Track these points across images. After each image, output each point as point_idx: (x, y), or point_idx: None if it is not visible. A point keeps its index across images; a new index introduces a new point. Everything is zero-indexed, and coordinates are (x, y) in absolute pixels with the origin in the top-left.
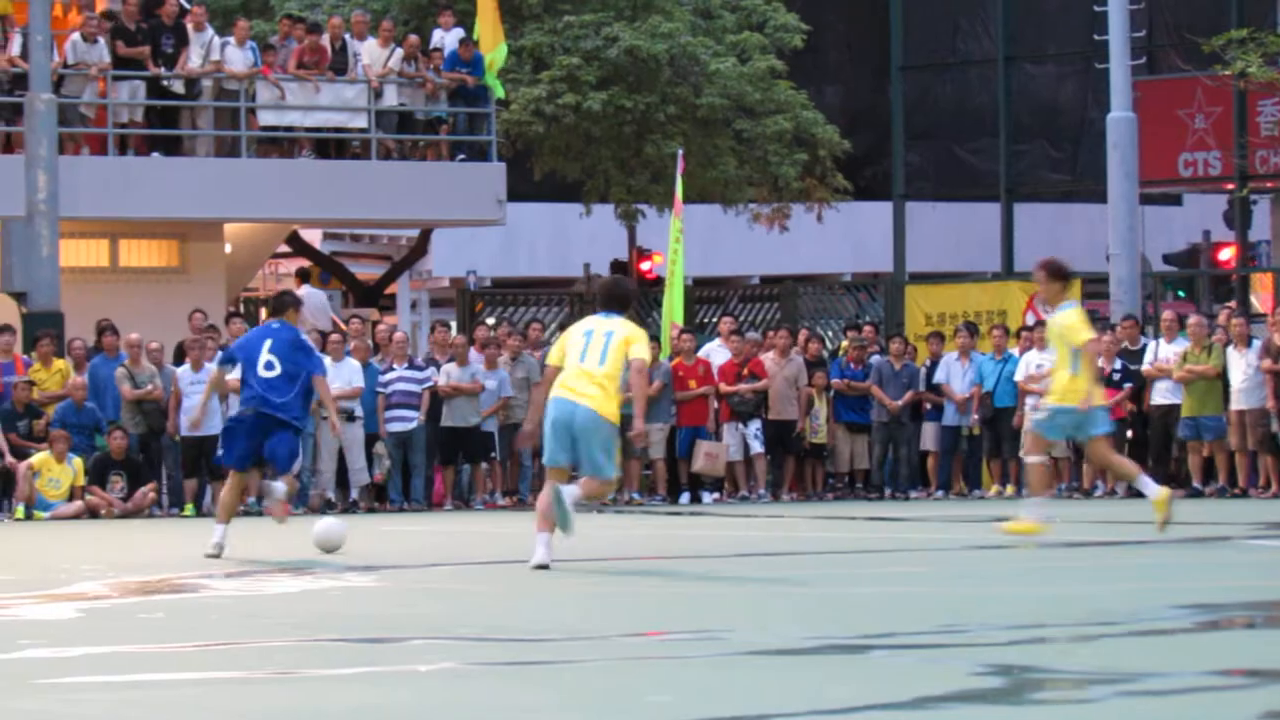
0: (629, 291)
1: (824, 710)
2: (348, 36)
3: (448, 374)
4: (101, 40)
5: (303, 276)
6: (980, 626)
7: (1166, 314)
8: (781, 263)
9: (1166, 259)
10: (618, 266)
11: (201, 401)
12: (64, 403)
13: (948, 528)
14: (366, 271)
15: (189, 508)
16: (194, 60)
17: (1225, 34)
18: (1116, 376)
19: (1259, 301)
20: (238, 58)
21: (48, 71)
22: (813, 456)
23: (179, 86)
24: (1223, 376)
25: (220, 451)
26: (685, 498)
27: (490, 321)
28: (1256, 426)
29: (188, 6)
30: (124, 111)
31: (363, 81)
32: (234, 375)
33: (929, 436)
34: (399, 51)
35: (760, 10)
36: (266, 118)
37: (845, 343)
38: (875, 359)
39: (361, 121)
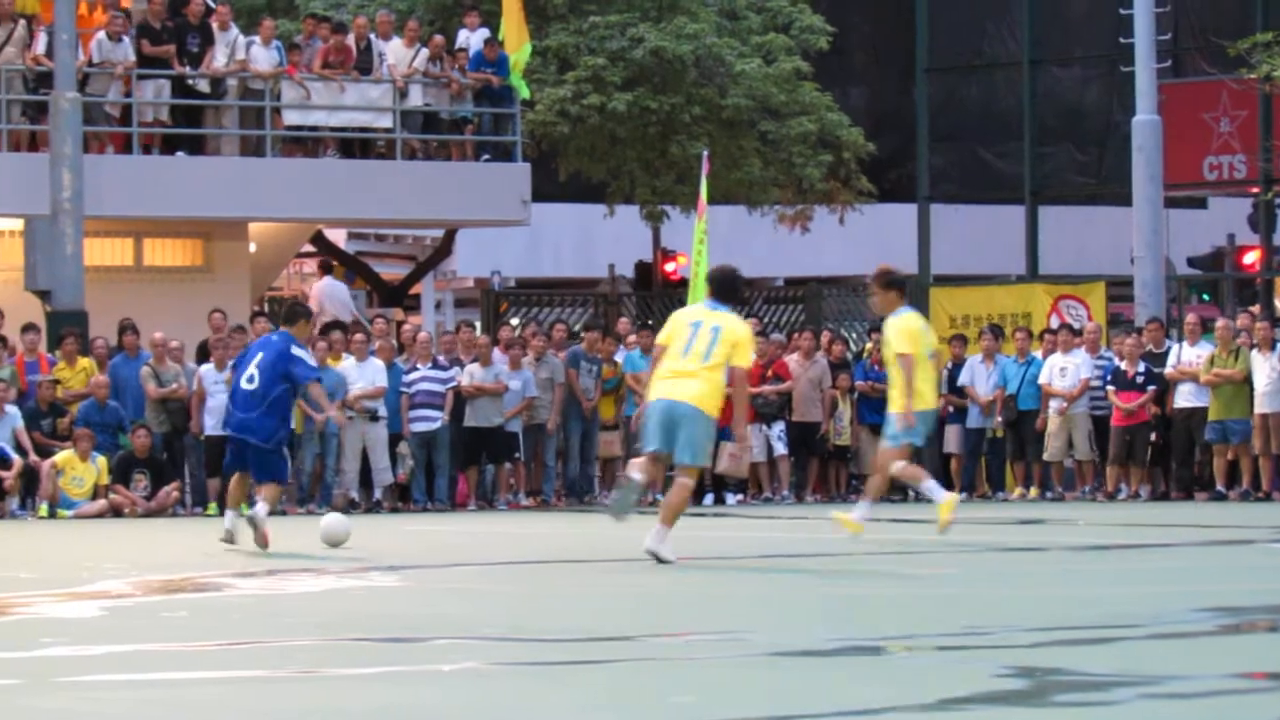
0: (741, 283)
1: (846, 711)
2: (373, 36)
3: (471, 374)
4: (126, 39)
5: (325, 268)
6: (1003, 628)
7: (1190, 317)
8: (806, 264)
9: (1191, 262)
10: (642, 268)
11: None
12: (87, 401)
13: (971, 530)
14: (391, 271)
15: (212, 507)
16: (219, 59)
17: (1251, 37)
18: (1140, 379)
19: None
20: (263, 57)
21: (73, 70)
22: (836, 458)
23: (204, 85)
24: (1248, 380)
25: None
26: (709, 499)
27: (515, 322)
28: None
29: (213, 6)
30: (149, 110)
31: (388, 81)
32: None
33: (952, 439)
34: (424, 51)
35: (786, 12)
36: (291, 117)
37: (869, 344)
38: None
39: (386, 121)
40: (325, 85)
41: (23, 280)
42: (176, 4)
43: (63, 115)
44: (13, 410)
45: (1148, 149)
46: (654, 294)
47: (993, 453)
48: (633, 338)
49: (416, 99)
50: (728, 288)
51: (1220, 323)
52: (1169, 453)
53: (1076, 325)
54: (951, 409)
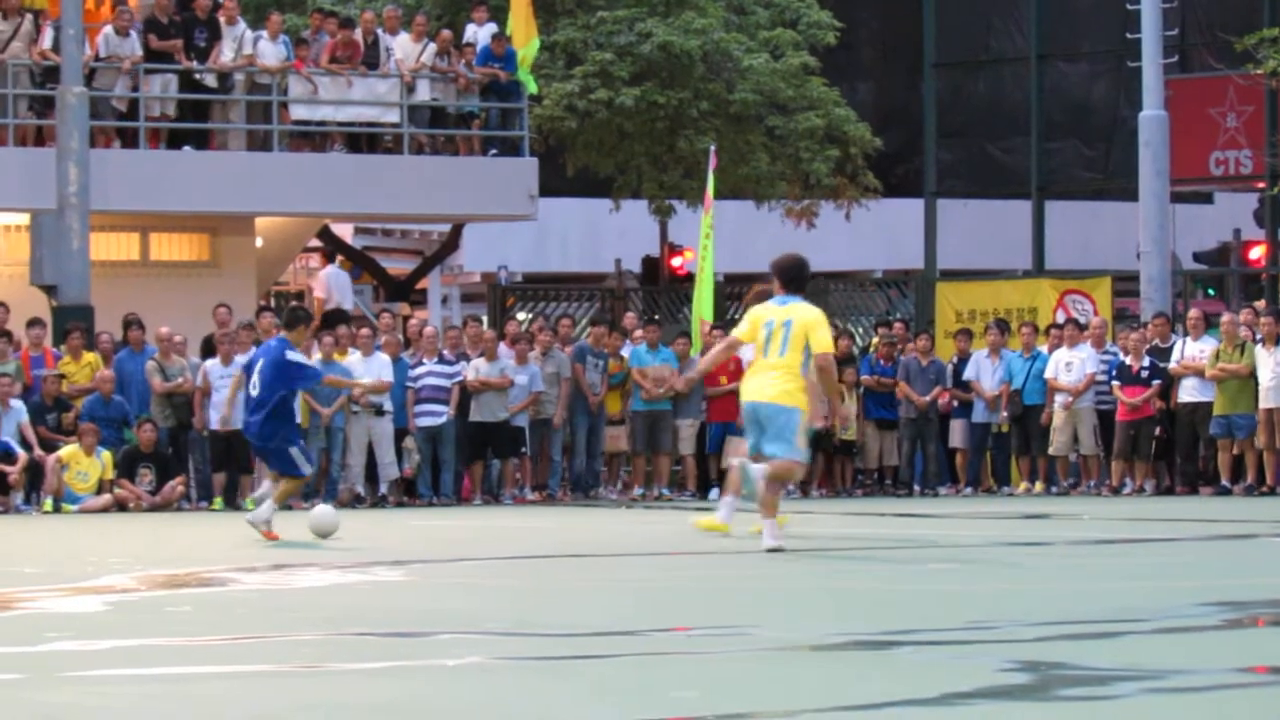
0: (807, 270)
1: (851, 706)
2: (380, 31)
3: (477, 369)
4: (134, 33)
5: (329, 256)
6: (1008, 623)
7: (1193, 312)
8: (812, 259)
9: (1197, 257)
10: (649, 262)
11: (228, 399)
12: (92, 396)
13: (976, 524)
14: (398, 266)
15: (218, 501)
16: (226, 54)
17: (1257, 32)
18: (1145, 374)
19: None
20: (270, 52)
21: (80, 65)
22: (842, 453)
23: (211, 80)
24: (1253, 375)
25: None
26: (714, 493)
27: (521, 317)
28: None
29: (220, 0)
30: (155, 105)
31: (395, 76)
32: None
33: (957, 433)
34: (431, 46)
35: (794, 7)
36: (298, 112)
37: (876, 339)
38: (903, 356)
39: (394, 116)
40: (332, 80)
41: (29, 275)
42: None
43: (69, 110)
44: (18, 405)
45: (1154, 144)
46: (660, 289)
47: (998, 447)
48: (639, 332)
49: (424, 94)
50: (796, 276)
51: (1225, 317)
52: (1174, 447)
53: (1082, 320)
54: (957, 404)
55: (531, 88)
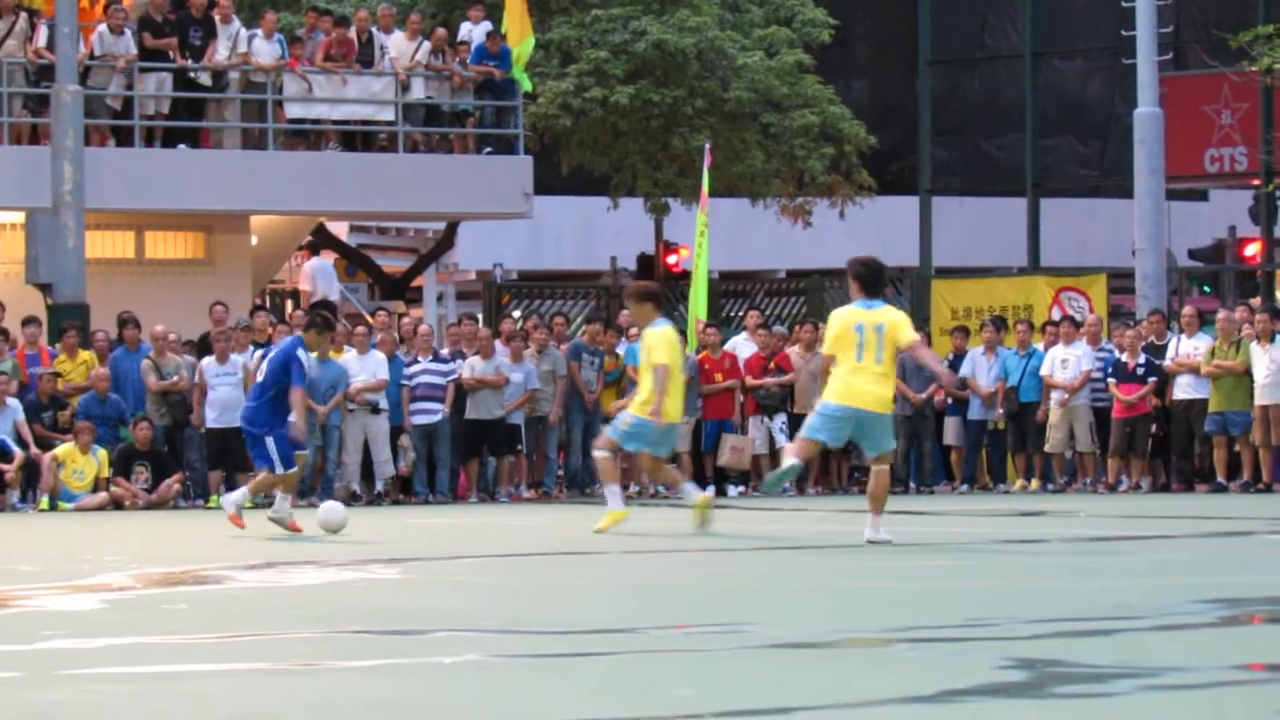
0: (885, 273)
1: (848, 703)
2: (374, 29)
3: (472, 367)
4: (128, 32)
5: (312, 248)
6: (1005, 620)
7: (1187, 309)
8: (808, 257)
9: (1192, 254)
10: (644, 260)
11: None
12: (88, 394)
13: (972, 522)
14: (393, 264)
15: (214, 499)
16: (221, 52)
17: (1252, 30)
18: (1141, 371)
19: None
20: (265, 50)
21: (74, 63)
22: (838, 451)
23: (206, 78)
24: (1248, 372)
25: None
26: (710, 490)
27: (516, 314)
28: None
29: None
30: (150, 103)
31: (390, 74)
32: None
33: (953, 431)
34: (426, 44)
35: (788, 5)
36: (293, 110)
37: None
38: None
39: (388, 114)
40: (327, 78)
41: (24, 273)
42: None
43: (64, 108)
44: (14, 403)
45: (1149, 141)
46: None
47: (994, 445)
48: (634, 330)
49: (418, 92)
50: (876, 280)
51: (1221, 314)
52: (1169, 444)
53: (1078, 317)
54: (952, 401)
55: (526, 86)
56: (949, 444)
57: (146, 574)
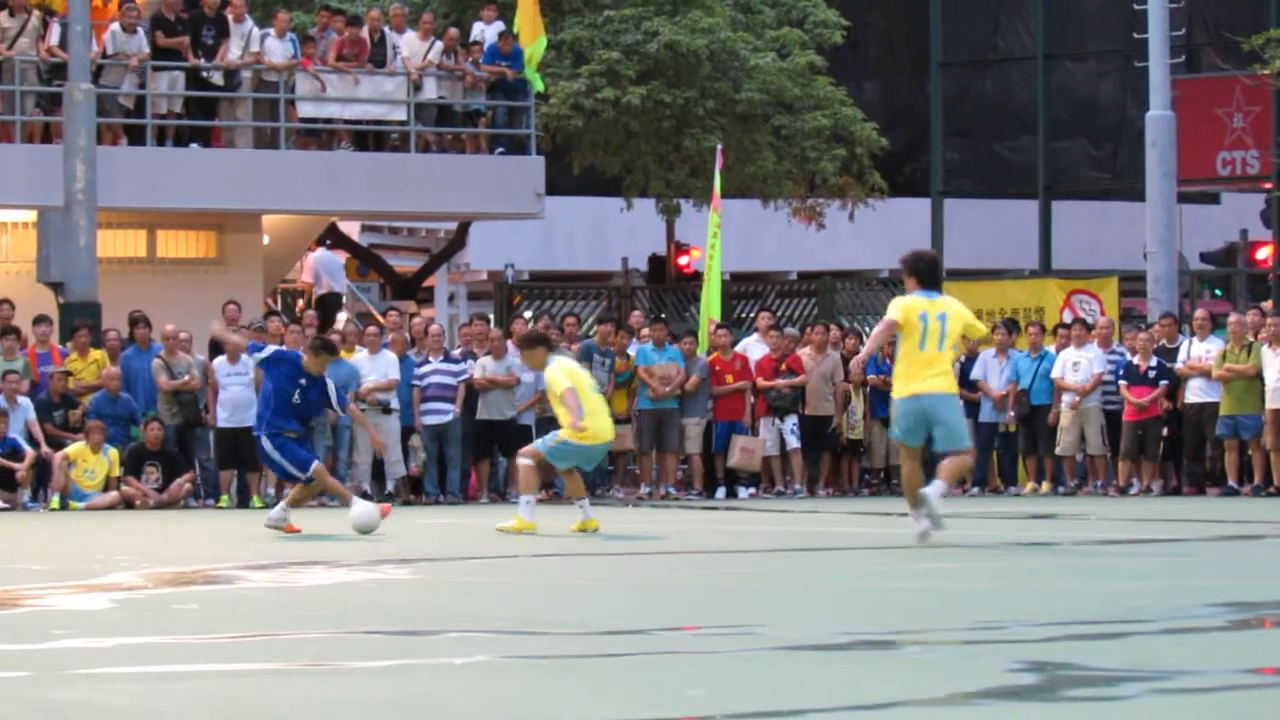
0: (940, 266)
1: (858, 705)
2: (387, 29)
3: (483, 367)
4: (140, 31)
5: (319, 240)
6: (1014, 622)
7: (1199, 313)
8: (819, 258)
9: (1204, 257)
10: (656, 261)
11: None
12: (99, 393)
13: (983, 524)
14: (404, 264)
15: (224, 499)
16: (234, 52)
17: (1265, 33)
18: (1152, 374)
19: None
20: (277, 49)
21: (87, 61)
22: (849, 452)
23: (218, 78)
24: (1259, 375)
25: None
26: (721, 492)
27: (528, 315)
28: None
29: None
30: (163, 102)
31: (402, 74)
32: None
33: None
34: (438, 44)
35: (800, 6)
36: (305, 109)
37: None
38: None
39: (401, 114)
40: (339, 78)
41: (35, 272)
42: None
43: (76, 107)
44: (25, 402)
45: (1161, 144)
46: (667, 287)
47: (1005, 447)
48: (646, 331)
49: (430, 92)
50: (933, 272)
51: (1233, 318)
52: (1180, 448)
53: (1089, 320)
54: (963, 403)
55: (538, 86)
56: None
57: (157, 573)
